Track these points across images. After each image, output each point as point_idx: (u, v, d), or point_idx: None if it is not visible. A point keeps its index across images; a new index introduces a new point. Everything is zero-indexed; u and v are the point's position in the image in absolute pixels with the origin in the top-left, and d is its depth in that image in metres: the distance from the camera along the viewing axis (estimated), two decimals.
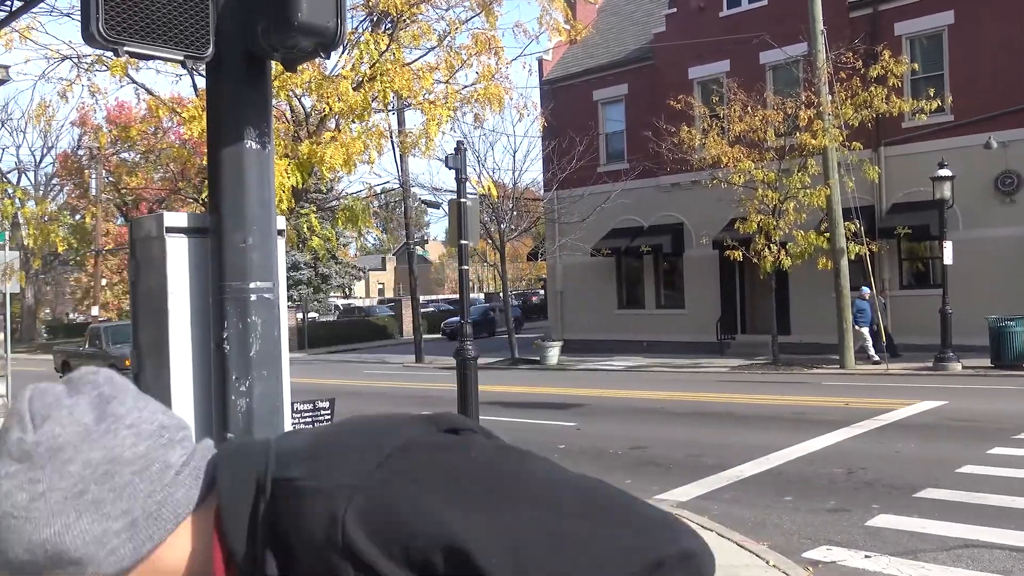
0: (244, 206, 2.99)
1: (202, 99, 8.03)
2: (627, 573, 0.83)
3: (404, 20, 10.67)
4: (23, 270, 19.60)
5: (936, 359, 18.05)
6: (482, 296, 56.47)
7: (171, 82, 56.72)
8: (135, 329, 3.49)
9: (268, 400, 3.05)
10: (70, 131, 46.25)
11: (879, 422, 11.73)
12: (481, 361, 11.83)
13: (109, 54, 6.39)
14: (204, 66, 3.04)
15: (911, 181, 21.11)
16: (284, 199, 8.35)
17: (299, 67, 5.52)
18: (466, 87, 10.56)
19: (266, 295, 3.02)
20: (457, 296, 15.22)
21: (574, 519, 0.84)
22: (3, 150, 70.07)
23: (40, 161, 49.51)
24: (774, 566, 5.85)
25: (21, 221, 16.62)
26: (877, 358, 19.40)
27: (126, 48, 2.77)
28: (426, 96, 9.81)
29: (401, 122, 20.20)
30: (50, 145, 47.57)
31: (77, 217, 41.86)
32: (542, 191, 29.52)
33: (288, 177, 8.48)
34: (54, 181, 48.29)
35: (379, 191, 30.46)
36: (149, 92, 11.81)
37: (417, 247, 36.47)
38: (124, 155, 34.76)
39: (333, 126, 10.05)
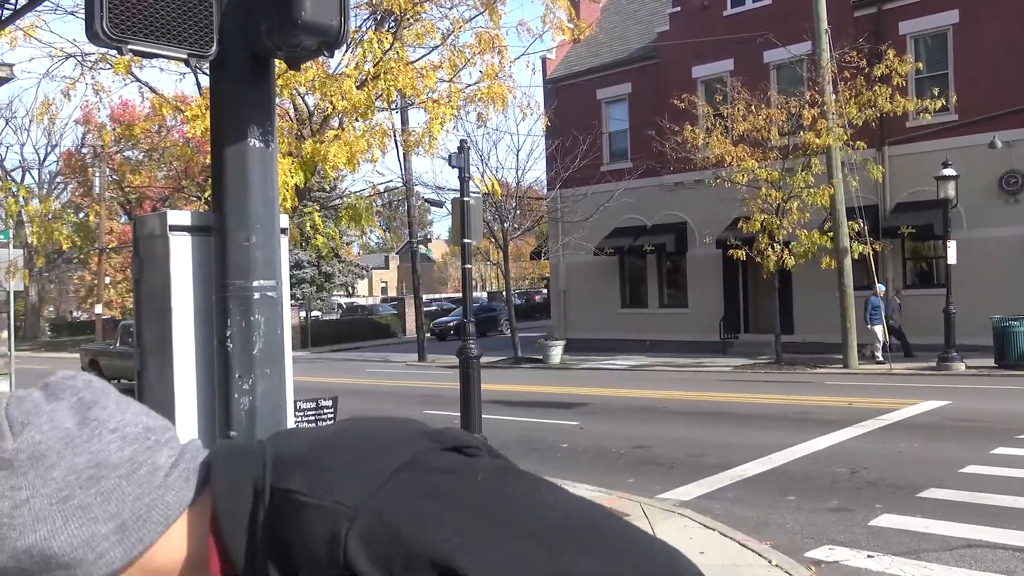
0: (248, 204, 2.99)
1: (206, 97, 8.02)
2: None
3: (407, 18, 10.67)
4: (27, 268, 19.63)
5: (940, 359, 18.04)
6: (485, 295, 56.47)
7: (175, 80, 56.85)
8: (138, 327, 3.50)
9: (271, 398, 3.06)
10: (74, 129, 46.38)
11: (882, 422, 11.71)
12: (484, 360, 11.82)
13: (113, 52, 6.41)
14: (208, 64, 3.04)
15: (915, 180, 21.06)
16: (287, 197, 8.36)
17: (302, 65, 5.52)
18: (469, 86, 10.55)
19: (269, 293, 3.02)
20: (460, 295, 15.18)
21: (578, 554, 0.84)
22: (7, 148, 70.14)
23: (44, 159, 49.76)
24: (777, 565, 5.85)
25: (25, 219, 16.63)
26: (881, 358, 19.38)
27: (130, 46, 2.77)
28: (429, 95, 9.81)
29: (404, 121, 20.18)
30: (54, 143, 47.84)
31: (81, 215, 42.01)
32: (545, 190, 29.49)
33: (292, 175, 8.49)
34: (58, 179, 48.47)
35: (382, 190, 30.53)
36: (153, 90, 11.80)
37: (420, 246, 36.52)
38: (128, 153, 34.76)
39: (337, 125, 10.05)
